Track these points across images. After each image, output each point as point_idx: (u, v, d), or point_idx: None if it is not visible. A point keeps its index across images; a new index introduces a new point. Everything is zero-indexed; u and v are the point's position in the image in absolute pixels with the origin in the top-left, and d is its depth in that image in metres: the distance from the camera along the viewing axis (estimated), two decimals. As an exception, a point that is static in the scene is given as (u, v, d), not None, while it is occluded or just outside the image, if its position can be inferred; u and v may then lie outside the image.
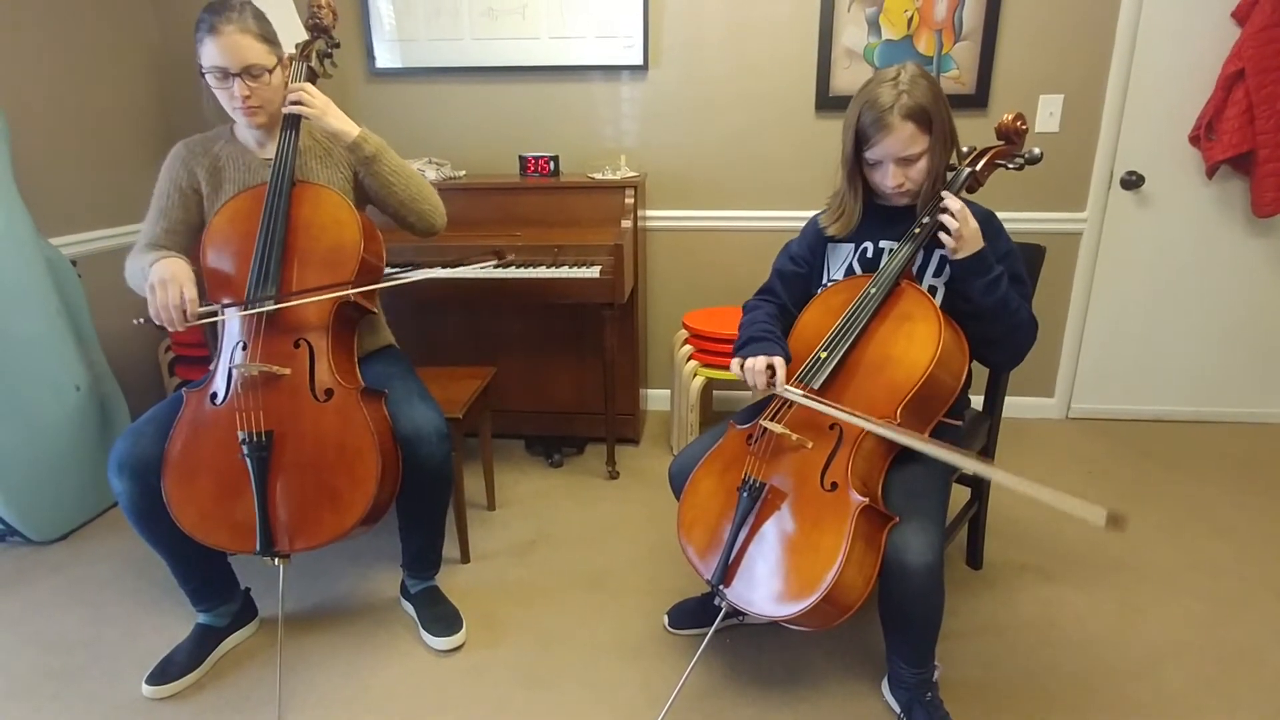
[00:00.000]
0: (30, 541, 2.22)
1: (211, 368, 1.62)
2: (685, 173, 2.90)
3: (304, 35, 1.79)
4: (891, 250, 1.57)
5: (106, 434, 2.40)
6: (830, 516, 1.35)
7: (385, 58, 2.87)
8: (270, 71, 1.66)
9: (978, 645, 1.76)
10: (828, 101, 2.75)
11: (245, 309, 1.57)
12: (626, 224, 2.53)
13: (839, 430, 1.41)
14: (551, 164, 2.72)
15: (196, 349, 2.81)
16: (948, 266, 1.52)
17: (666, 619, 1.84)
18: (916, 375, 1.40)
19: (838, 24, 2.67)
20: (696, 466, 1.57)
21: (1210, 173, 2.67)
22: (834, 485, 1.38)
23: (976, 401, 1.89)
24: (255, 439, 1.51)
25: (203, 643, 1.73)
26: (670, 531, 2.23)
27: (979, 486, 1.97)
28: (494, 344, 2.76)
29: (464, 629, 1.79)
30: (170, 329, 1.52)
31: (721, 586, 1.42)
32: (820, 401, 1.39)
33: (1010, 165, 1.59)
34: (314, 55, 1.76)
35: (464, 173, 2.88)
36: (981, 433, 1.88)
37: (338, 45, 1.82)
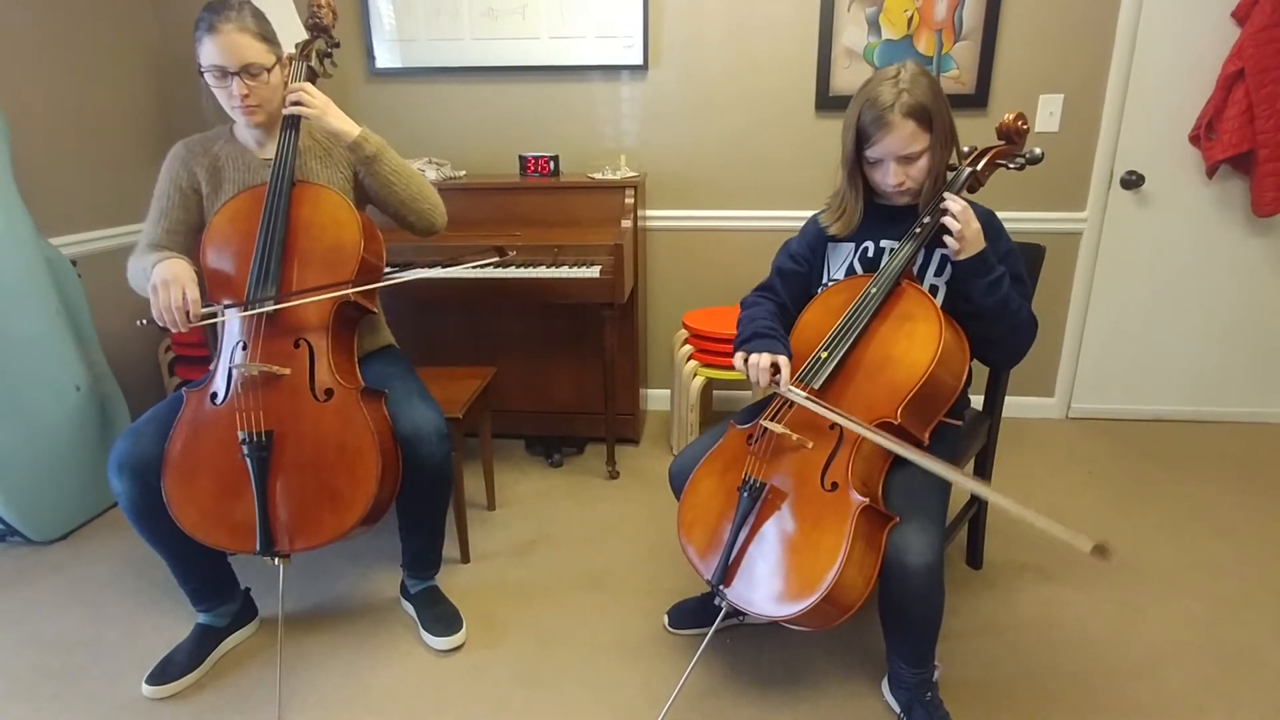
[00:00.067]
0: (30, 541, 2.22)
1: (211, 367, 1.62)
2: (685, 173, 2.90)
3: (304, 35, 1.79)
4: (892, 250, 1.57)
5: (106, 434, 2.40)
6: (830, 516, 1.35)
7: (385, 58, 2.87)
8: (269, 70, 1.66)
9: (978, 645, 1.76)
10: (828, 101, 2.75)
11: (245, 309, 1.57)
12: (626, 224, 2.53)
13: (839, 430, 1.41)
14: (551, 164, 2.72)
15: (196, 349, 2.81)
16: (949, 266, 1.52)
17: (666, 619, 1.84)
18: (917, 375, 1.40)
19: (838, 24, 2.67)
20: (697, 466, 1.57)
21: (1210, 172, 2.67)
22: (834, 485, 1.38)
23: (976, 401, 1.89)
24: (255, 439, 1.51)
25: (203, 643, 1.72)
26: (670, 531, 2.23)
27: (979, 486, 1.97)
28: (494, 344, 2.76)
29: (464, 629, 1.79)
30: (173, 330, 1.52)
31: (721, 586, 1.42)
32: (822, 405, 1.39)
33: (1011, 165, 1.59)
34: (314, 55, 1.76)
35: (464, 173, 2.88)
36: (981, 432, 1.88)
37: (338, 45, 1.82)
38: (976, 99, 2.68)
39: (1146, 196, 2.77)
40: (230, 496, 1.52)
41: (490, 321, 2.75)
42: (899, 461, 1.45)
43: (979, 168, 1.54)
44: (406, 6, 2.80)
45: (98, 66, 2.68)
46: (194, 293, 1.52)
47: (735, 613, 1.44)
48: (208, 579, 1.72)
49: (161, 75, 2.95)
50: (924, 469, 1.39)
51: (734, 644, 1.77)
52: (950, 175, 1.55)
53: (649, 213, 2.93)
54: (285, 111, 1.66)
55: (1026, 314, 1.53)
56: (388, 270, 1.79)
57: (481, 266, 2.13)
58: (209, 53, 1.61)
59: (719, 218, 2.93)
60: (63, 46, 2.54)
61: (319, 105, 1.65)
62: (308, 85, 1.67)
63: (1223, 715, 1.55)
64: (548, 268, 2.38)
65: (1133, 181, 2.73)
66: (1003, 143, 1.58)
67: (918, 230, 1.50)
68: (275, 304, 1.57)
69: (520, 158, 2.75)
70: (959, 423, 1.69)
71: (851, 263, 1.63)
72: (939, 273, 1.55)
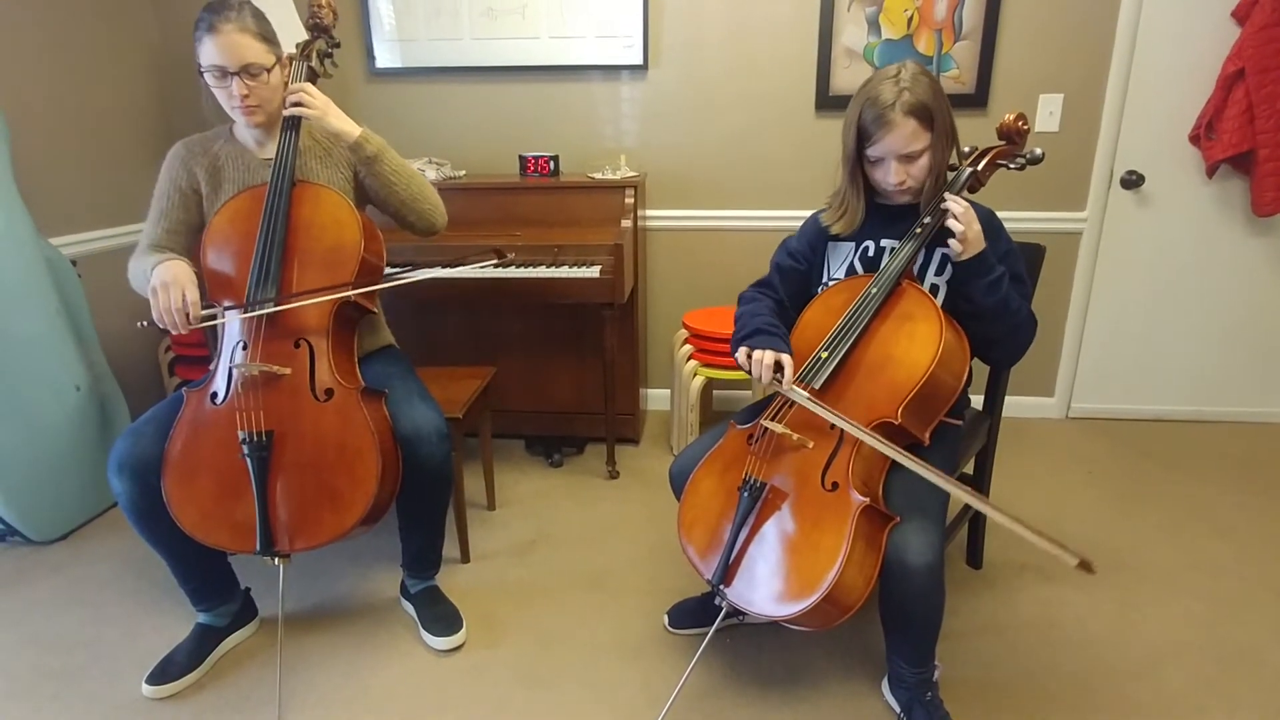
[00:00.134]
0: (30, 541, 2.22)
1: (212, 367, 1.62)
2: (685, 173, 2.90)
3: (304, 35, 1.79)
4: (893, 249, 1.57)
5: (106, 434, 2.40)
6: (831, 516, 1.35)
7: (385, 57, 2.87)
8: (269, 70, 1.66)
9: (978, 645, 1.76)
10: (828, 101, 2.75)
11: (246, 311, 1.57)
12: (626, 224, 2.53)
13: (840, 431, 1.41)
14: (551, 164, 2.72)
15: (196, 349, 2.81)
16: (949, 265, 1.52)
17: (666, 619, 1.84)
18: (918, 375, 1.40)
19: (838, 24, 2.67)
20: (697, 466, 1.57)
21: (1210, 172, 2.67)
22: (835, 485, 1.38)
23: (976, 401, 1.89)
24: (255, 439, 1.51)
25: (203, 643, 1.72)
26: (670, 531, 2.23)
27: (979, 486, 1.97)
28: (494, 344, 2.76)
29: (464, 629, 1.79)
30: (173, 332, 1.52)
31: (722, 586, 1.42)
32: (823, 406, 1.38)
33: (1011, 165, 1.59)
34: (314, 55, 1.76)
35: (464, 173, 2.88)
36: (981, 432, 1.88)
37: (338, 45, 1.82)
38: (976, 99, 2.68)
39: (1146, 196, 2.77)
40: (230, 496, 1.52)
41: (490, 321, 2.75)
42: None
43: (980, 168, 1.54)
44: (406, 6, 2.80)
45: (98, 66, 2.68)
46: (194, 294, 1.52)
47: (735, 612, 1.44)
48: (208, 579, 1.72)
49: (161, 75, 2.95)
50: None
51: (734, 644, 1.77)
52: (951, 175, 1.55)
53: (649, 213, 2.93)
54: (286, 112, 1.66)
55: (1026, 313, 1.53)
56: (389, 270, 1.79)
57: (481, 268, 2.13)
58: (209, 53, 1.61)
59: (719, 218, 2.93)
60: (63, 46, 2.54)
61: (319, 106, 1.65)
62: (308, 86, 1.67)
63: (1223, 715, 1.55)
64: (548, 268, 2.38)
65: (1133, 181, 2.73)
66: (1003, 143, 1.58)
67: (918, 230, 1.50)
68: (275, 305, 1.57)
69: (520, 158, 2.75)
70: (959, 422, 1.69)
71: (852, 262, 1.63)
72: (939, 272, 1.55)
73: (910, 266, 1.53)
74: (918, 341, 1.43)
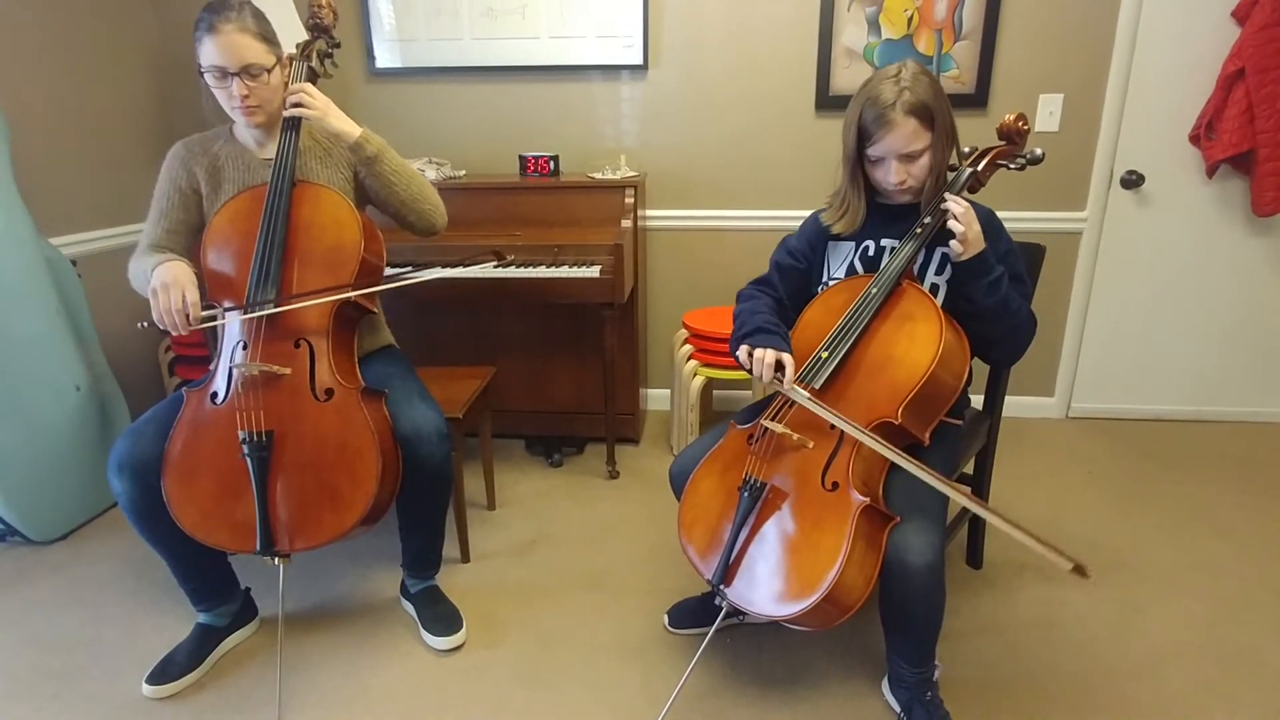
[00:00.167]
0: (30, 541, 2.22)
1: (212, 367, 1.62)
2: (685, 173, 2.90)
3: (304, 35, 1.79)
4: (893, 248, 1.57)
5: (106, 434, 2.40)
6: (831, 516, 1.35)
7: (385, 57, 2.87)
8: (269, 71, 1.66)
9: (978, 645, 1.76)
10: (828, 101, 2.75)
11: (246, 312, 1.57)
12: (626, 224, 2.53)
13: (840, 431, 1.41)
14: (551, 164, 2.72)
15: (196, 349, 2.81)
16: (949, 264, 1.52)
17: (666, 619, 1.84)
18: (918, 375, 1.40)
19: (838, 24, 2.67)
20: (697, 466, 1.57)
21: (1210, 172, 2.67)
22: (835, 485, 1.38)
23: (976, 401, 1.89)
24: (256, 438, 1.51)
25: (203, 643, 1.72)
26: (670, 531, 2.23)
27: (979, 486, 1.97)
28: (494, 344, 2.76)
29: (464, 629, 1.79)
30: (174, 333, 1.52)
31: (722, 586, 1.42)
32: (823, 407, 1.38)
33: (1012, 165, 1.59)
34: (314, 55, 1.76)
35: (464, 172, 2.88)
36: (981, 432, 1.88)
37: (338, 45, 1.82)
38: (976, 99, 2.68)
39: (1146, 196, 2.77)
40: (230, 496, 1.52)
41: (490, 321, 2.75)
42: (899, 461, 1.45)
43: (980, 168, 1.54)
44: (406, 6, 2.80)
45: (98, 66, 2.68)
46: (194, 296, 1.52)
47: (735, 612, 1.44)
48: (208, 579, 1.72)
49: (161, 75, 2.95)
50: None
51: (734, 644, 1.77)
52: (951, 176, 1.55)
53: (649, 212, 2.93)
54: (286, 113, 1.66)
55: (1026, 313, 1.53)
56: (389, 271, 1.79)
57: (480, 269, 2.13)
58: (209, 53, 1.61)
59: (719, 218, 2.93)
60: (63, 47, 2.54)
61: (320, 106, 1.65)
62: (308, 86, 1.67)
63: (1223, 715, 1.55)
64: (548, 268, 2.38)
65: (1133, 181, 2.73)
66: (1003, 143, 1.58)
67: (919, 230, 1.50)
68: (275, 307, 1.57)
69: (520, 158, 2.75)
70: (959, 422, 1.69)
71: (852, 261, 1.63)
72: (939, 271, 1.55)
73: (910, 266, 1.53)
74: (918, 341, 1.43)
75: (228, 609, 1.77)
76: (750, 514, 1.42)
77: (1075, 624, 1.83)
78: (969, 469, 1.97)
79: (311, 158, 1.78)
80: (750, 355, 1.46)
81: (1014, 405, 3.02)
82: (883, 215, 1.60)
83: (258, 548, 1.50)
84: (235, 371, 1.56)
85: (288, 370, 1.56)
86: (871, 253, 1.61)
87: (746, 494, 1.43)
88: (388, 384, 1.70)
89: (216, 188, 1.75)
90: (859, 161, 1.54)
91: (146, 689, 1.63)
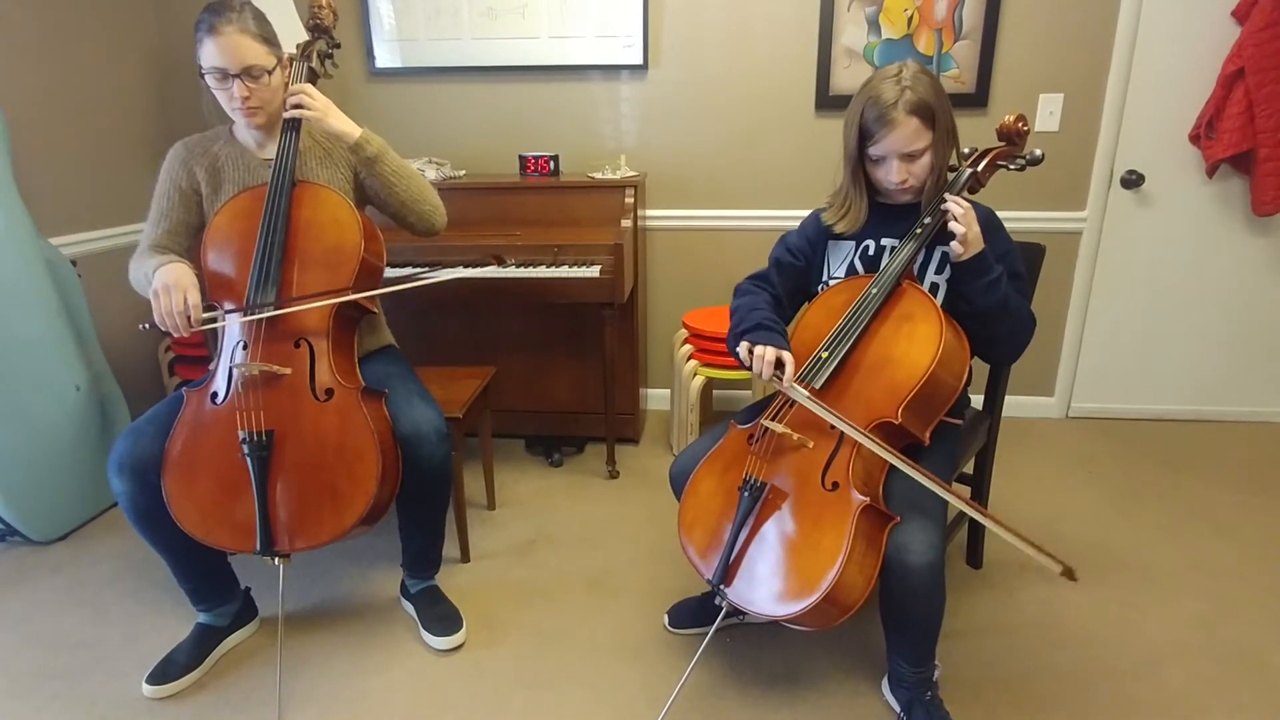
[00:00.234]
0: (30, 541, 2.22)
1: (212, 367, 1.62)
2: (685, 173, 2.90)
3: (304, 35, 1.79)
4: (893, 248, 1.57)
5: (106, 434, 2.40)
6: (831, 516, 1.35)
7: (385, 57, 2.87)
8: (270, 73, 1.66)
9: (978, 645, 1.76)
10: (828, 101, 2.75)
11: (245, 315, 1.57)
12: (626, 224, 2.53)
13: (840, 430, 1.41)
14: (551, 164, 2.72)
15: (196, 349, 2.81)
16: (949, 264, 1.52)
17: (666, 619, 1.84)
18: (918, 376, 1.40)
19: (838, 23, 2.67)
20: (697, 466, 1.57)
21: (1210, 171, 2.67)
22: (835, 485, 1.38)
23: (976, 400, 1.89)
24: (256, 438, 1.51)
25: (203, 642, 1.73)
26: (670, 531, 2.23)
27: (979, 486, 1.97)
28: (494, 344, 2.76)
29: (464, 629, 1.79)
30: (175, 334, 1.52)
31: (722, 586, 1.42)
32: (823, 407, 1.38)
33: (1011, 166, 1.59)
34: (314, 55, 1.76)
35: (464, 172, 2.88)
36: (981, 432, 1.88)
37: (338, 45, 1.82)
38: (976, 98, 2.68)
39: (1146, 196, 2.77)
40: (230, 496, 1.52)
41: (490, 321, 2.75)
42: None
43: (979, 169, 1.54)
44: (406, 6, 2.80)
45: (97, 66, 2.68)
46: (195, 298, 1.52)
47: (735, 612, 1.44)
48: (208, 579, 1.72)
49: (161, 75, 2.95)
50: (925, 468, 1.40)
51: (734, 644, 1.77)
52: (951, 176, 1.55)
53: (649, 212, 2.93)
54: (286, 115, 1.66)
55: (1026, 313, 1.53)
56: (391, 273, 1.79)
57: (481, 272, 2.13)
58: (210, 55, 1.60)
59: (719, 218, 2.93)
60: (63, 46, 2.54)
61: (320, 107, 1.65)
62: (308, 87, 1.66)
63: (1223, 715, 1.55)
64: (547, 267, 2.38)
65: (1133, 181, 2.73)
66: (1003, 144, 1.58)
67: (919, 231, 1.50)
68: (275, 309, 1.57)
69: (520, 157, 2.75)
70: (959, 422, 1.69)
71: (852, 260, 1.63)
72: (939, 270, 1.55)
73: (910, 266, 1.53)
74: (918, 342, 1.43)
75: (228, 609, 1.77)
76: (750, 514, 1.42)
77: (1076, 624, 1.83)
78: (969, 469, 1.97)
79: (311, 158, 1.78)
80: (750, 352, 1.46)
81: (1014, 405, 3.02)
82: (883, 214, 1.60)
83: (258, 548, 1.50)
84: (235, 371, 1.56)
85: (288, 370, 1.56)
86: (872, 252, 1.61)
87: (747, 494, 1.43)
88: (388, 384, 1.70)
89: (217, 188, 1.75)
90: (860, 161, 1.54)
91: (147, 689, 1.63)
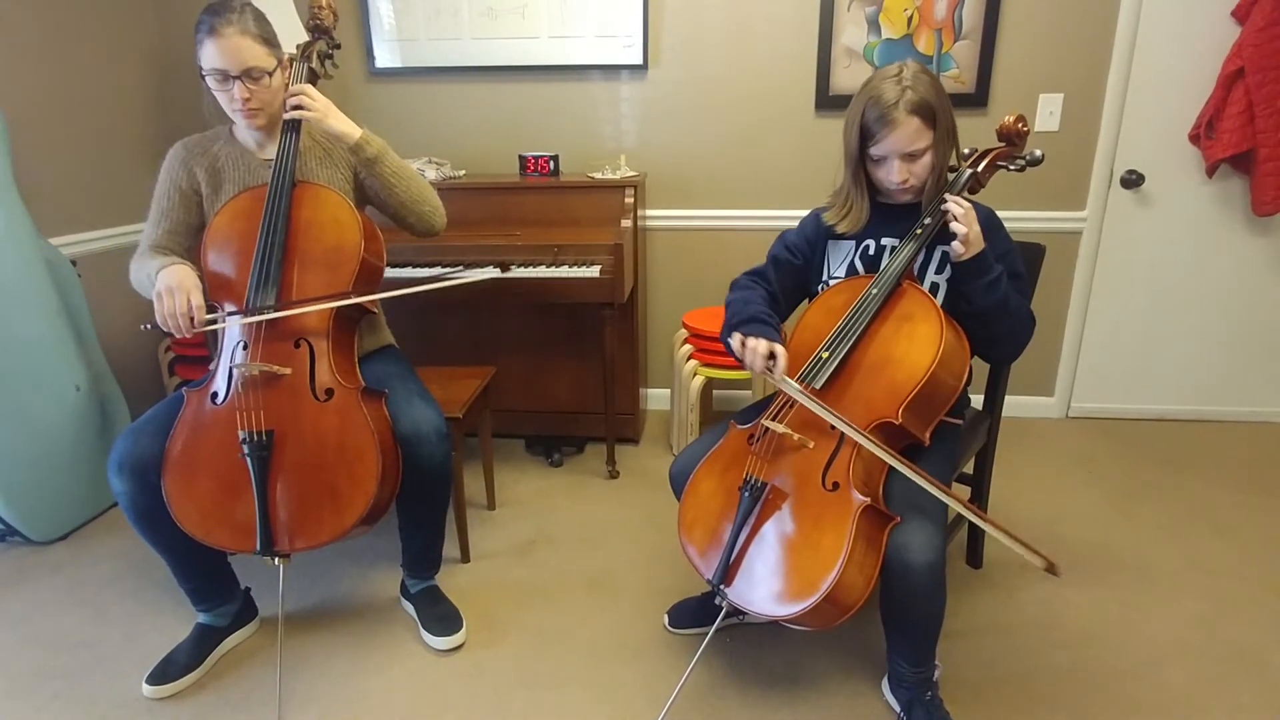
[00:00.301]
0: (30, 541, 2.22)
1: (212, 367, 1.62)
2: (685, 173, 2.90)
3: (304, 36, 1.79)
4: (893, 248, 1.57)
5: (106, 434, 2.40)
6: (831, 516, 1.35)
7: (385, 57, 2.87)
8: (270, 74, 1.66)
9: (978, 645, 1.76)
10: (828, 101, 2.75)
11: (246, 316, 1.57)
12: (626, 224, 2.53)
13: (840, 431, 1.41)
14: (551, 164, 2.72)
15: (196, 349, 2.81)
16: (949, 264, 1.52)
17: (666, 619, 1.84)
18: (918, 376, 1.40)
19: (838, 23, 2.67)
20: (697, 466, 1.57)
21: (1210, 171, 2.67)
22: (835, 485, 1.38)
23: (976, 400, 1.89)
24: (256, 438, 1.51)
25: (203, 643, 1.73)
26: (670, 531, 2.23)
27: (979, 486, 1.97)
28: (494, 344, 2.76)
29: (464, 629, 1.79)
30: (177, 335, 1.52)
31: (722, 586, 1.42)
32: (820, 405, 1.39)
33: (1011, 167, 1.59)
34: (314, 56, 1.76)
35: (464, 172, 2.88)
36: (981, 431, 1.88)
37: (338, 46, 1.82)
38: (976, 98, 2.68)
39: (1146, 196, 2.77)
40: (230, 496, 1.52)
41: (490, 321, 2.75)
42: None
43: (979, 169, 1.54)
44: (406, 6, 2.80)
45: (97, 66, 2.68)
46: (198, 299, 1.52)
47: (735, 612, 1.44)
48: (208, 579, 1.72)
49: (161, 75, 2.95)
50: (925, 468, 1.40)
51: (734, 644, 1.77)
52: (951, 176, 1.55)
53: (649, 212, 2.93)
54: (286, 115, 1.65)
55: (1025, 312, 1.53)
56: (391, 274, 1.79)
57: (481, 274, 2.12)
58: (210, 56, 1.60)
59: (719, 218, 2.93)
60: (63, 46, 2.54)
61: (320, 108, 1.65)
62: (308, 87, 1.66)
63: (1223, 715, 1.55)
64: (548, 268, 2.38)
65: (1133, 181, 2.73)
66: (1003, 144, 1.58)
67: (919, 231, 1.50)
68: (276, 310, 1.57)
69: (520, 157, 2.75)
70: (959, 422, 1.69)
71: (853, 260, 1.63)
72: (940, 270, 1.55)
73: (910, 266, 1.53)
74: (918, 342, 1.43)
75: (228, 609, 1.77)
76: (750, 514, 1.42)
77: (1075, 624, 1.83)
78: (969, 469, 1.97)
79: (311, 158, 1.78)
80: (743, 344, 1.45)
81: (1014, 405, 3.02)
82: (884, 214, 1.60)
83: (258, 548, 1.50)
84: (236, 371, 1.56)
85: (288, 370, 1.56)
86: (872, 252, 1.61)
87: (747, 494, 1.43)
88: (388, 384, 1.70)
89: (217, 188, 1.75)
90: (861, 161, 1.54)
91: (147, 689, 1.63)
